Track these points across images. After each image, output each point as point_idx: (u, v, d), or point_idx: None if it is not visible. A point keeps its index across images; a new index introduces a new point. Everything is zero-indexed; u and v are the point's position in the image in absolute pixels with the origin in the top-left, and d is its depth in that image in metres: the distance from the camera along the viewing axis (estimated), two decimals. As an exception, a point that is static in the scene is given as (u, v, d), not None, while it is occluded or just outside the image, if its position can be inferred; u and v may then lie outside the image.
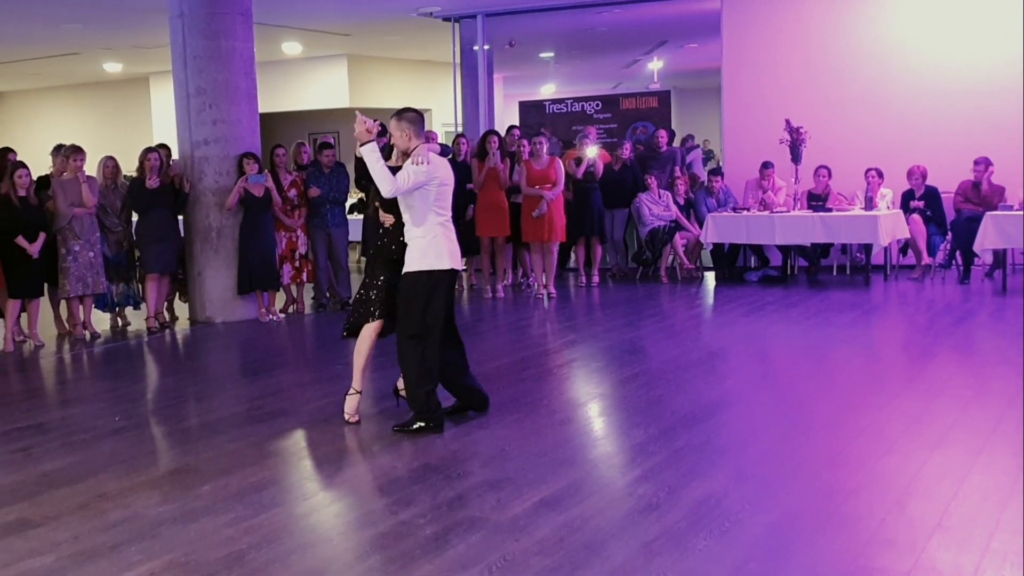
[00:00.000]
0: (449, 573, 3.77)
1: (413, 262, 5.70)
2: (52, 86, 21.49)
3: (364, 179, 10.45)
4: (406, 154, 5.73)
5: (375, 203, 5.95)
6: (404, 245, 5.78)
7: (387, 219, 5.87)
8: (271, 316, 10.18)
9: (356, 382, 6.02)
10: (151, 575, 3.85)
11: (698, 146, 15.17)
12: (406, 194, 5.63)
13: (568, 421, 5.95)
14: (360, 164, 10.57)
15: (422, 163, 5.61)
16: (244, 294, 10.11)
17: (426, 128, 5.99)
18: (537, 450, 5.33)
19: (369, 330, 5.93)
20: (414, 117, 5.82)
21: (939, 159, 11.57)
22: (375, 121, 5.74)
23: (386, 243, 5.89)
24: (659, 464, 5.01)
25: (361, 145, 5.65)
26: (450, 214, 5.85)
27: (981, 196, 11.10)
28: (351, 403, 6.03)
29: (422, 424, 5.71)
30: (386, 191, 5.62)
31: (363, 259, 14.44)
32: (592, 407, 6.48)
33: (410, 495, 4.67)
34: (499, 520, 4.29)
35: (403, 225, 5.77)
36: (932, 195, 11.50)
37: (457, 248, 5.87)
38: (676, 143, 14.41)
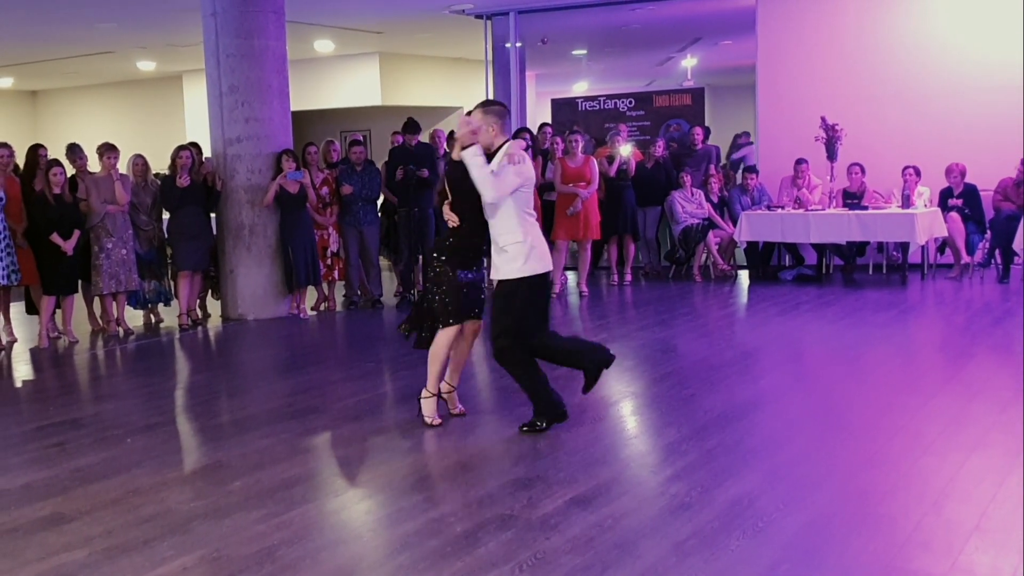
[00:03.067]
0: (479, 571, 3.75)
1: (516, 268, 5.48)
2: (87, 84, 21.68)
3: (392, 181, 10.60)
4: (489, 150, 5.48)
5: (442, 197, 5.68)
6: (454, 246, 5.60)
7: (452, 219, 5.58)
8: (300, 314, 10.21)
9: (432, 384, 5.78)
10: (183, 570, 3.86)
11: (751, 142, 15.04)
12: (504, 198, 5.42)
13: (600, 420, 5.91)
14: (392, 167, 10.72)
15: (520, 163, 5.43)
16: (293, 292, 10.15)
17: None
18: (568, 448, 5.30)
19: (447, 335, 5.68)
20: (500, 110, 5.60)
21: (978, 156, 11.42)
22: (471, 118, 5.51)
23: (452, 242, 5.64)
24: (692, 464, 4.97)
25: (464, 148, 5.40)
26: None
27: (1021, 194, 10.94)
28: (428, 406, 5.80)
29: (546, 420, 5.60)
30: (489, 196, 5.38)
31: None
32: (624, 406, 6.43)
33: (441, 493, 4.66)
34: (530, 518, 4.26)
35: (470, 226, 5.57)
36: (971, 193, 11.35)
37: (547, 247, 5.71)
38: (727, 141, 14.33)
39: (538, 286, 5.57)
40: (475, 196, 5.48)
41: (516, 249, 5.48)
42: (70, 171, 9.53)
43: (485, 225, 5.58)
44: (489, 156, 5.49)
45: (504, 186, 5.38)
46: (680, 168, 12.35)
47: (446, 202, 5.66)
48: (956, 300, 10.24)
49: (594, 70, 18.16)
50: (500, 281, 5.57)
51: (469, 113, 5.67)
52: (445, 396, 5.95)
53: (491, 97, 14.90)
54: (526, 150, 5.77)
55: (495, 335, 5.62)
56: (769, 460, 5.09)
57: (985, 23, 11.94)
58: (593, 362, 5.70)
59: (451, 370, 5.93)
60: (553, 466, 5.00)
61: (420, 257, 10.97)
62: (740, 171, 13.26)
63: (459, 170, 5.50)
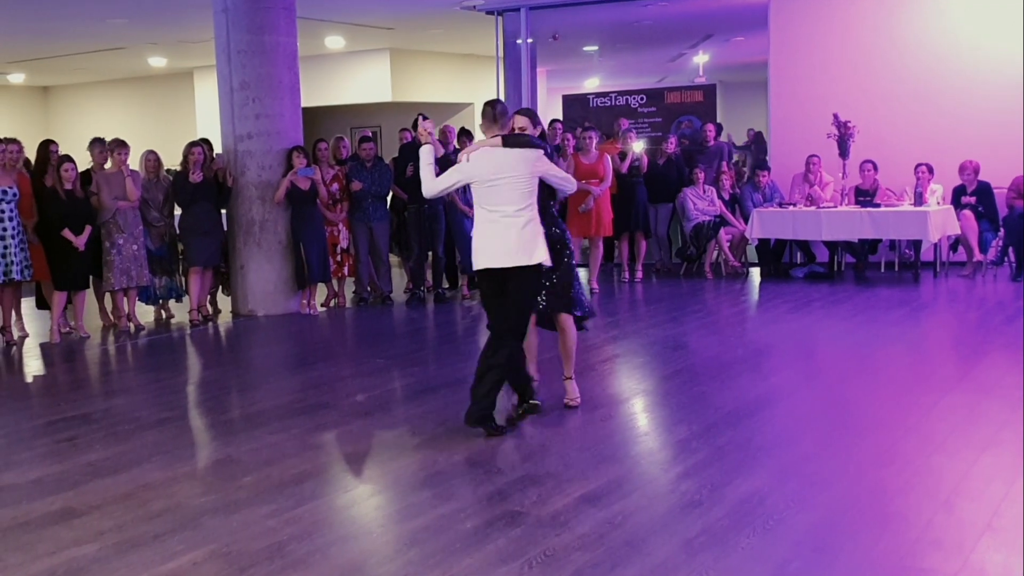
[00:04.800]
0: (489, 567, 3.75)
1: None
2: (98, 80, 21.73)
3: (402, 177, 10.60)
4: None
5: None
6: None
7: None
8: (310, 310, 10.22)
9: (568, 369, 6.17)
10: (193, 565, 3.86)
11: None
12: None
13: (610, 417, 5.91)
14: (402, 163, 10.71)
15: (461, 159, 5.65)
16: (304, 288, 10.17)
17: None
18: (579, 445, 5.29)
19: (567, 321, 6.10)
20: (486, 111, 5.76)
21: (992, 154, 11.36)
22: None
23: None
24: (702, 461, 4.96)
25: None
26: (513, 208, 5.52)
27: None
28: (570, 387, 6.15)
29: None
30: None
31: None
32: (635, 403, 6.43)
33: (450, 489, 4.65)
34: (540, 515, 4.26)
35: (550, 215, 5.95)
36: (984, 191, 11.30)
37: (498, 244, 5.55)
38: (739, 138, 14.25)
39: (484, 280, 5.74)
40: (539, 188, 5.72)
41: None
42: (85, 166, 9.55)
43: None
44: None
45: (437, 183, 5.70)
46: (692, 165, 12.32)
47: None
48: (968, 298, 10.20)
49: (605, 66, 18.09)
50: None
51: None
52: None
53: (501, 94, 14.90)
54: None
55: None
56: (780, 458, 5.08)
57: (999, 19, 11.86)
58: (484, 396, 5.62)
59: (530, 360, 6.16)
60: (563, 463, 5.00)
61: (430, 254, 10.99)
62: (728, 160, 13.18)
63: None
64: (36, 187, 8.93)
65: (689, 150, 12.98)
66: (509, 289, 5.57)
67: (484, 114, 5.75)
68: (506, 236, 5.53)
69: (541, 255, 5.58)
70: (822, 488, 4.54)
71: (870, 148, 11.58)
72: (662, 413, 6.16)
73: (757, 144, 14.21)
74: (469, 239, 10.47)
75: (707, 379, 6.86)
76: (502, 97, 14.94)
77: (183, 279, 10.09)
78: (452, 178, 5.67)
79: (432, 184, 5.69)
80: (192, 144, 9.87)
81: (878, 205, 11.17)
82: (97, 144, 9.62)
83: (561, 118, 14.39)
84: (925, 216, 10.68)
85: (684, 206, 12.01)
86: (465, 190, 10.34)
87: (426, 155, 5.71)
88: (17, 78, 20.87)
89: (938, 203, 11.18)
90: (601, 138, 11.76)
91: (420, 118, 5.99)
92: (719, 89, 15.27)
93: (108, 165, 9.57)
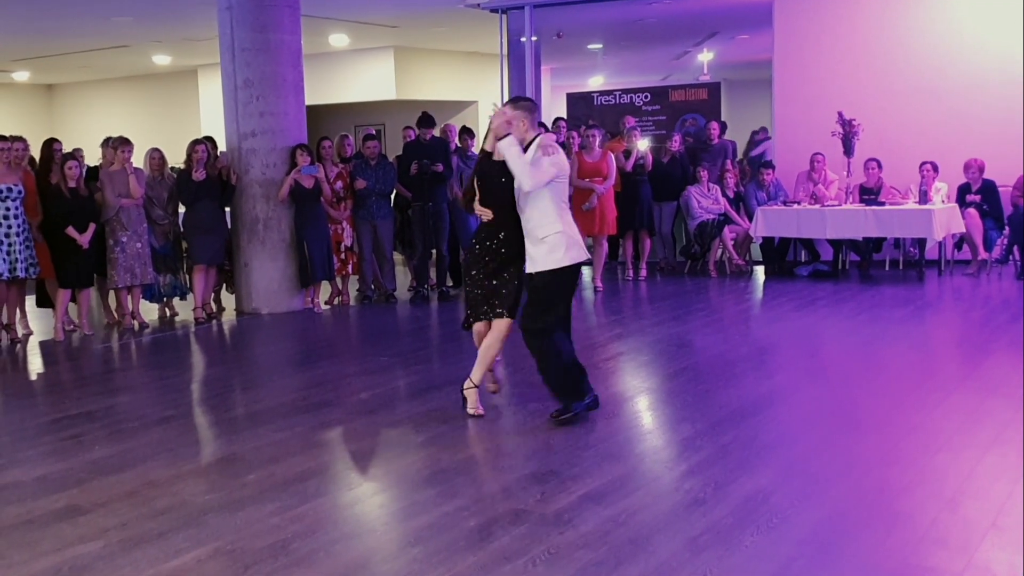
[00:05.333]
0: (492, 565, 3.75)
1: (552, 259, 5.51)
2: (102, 78, 21.76)
3: (406, 175, 10.60)
4: (521, 144, 5.56)
5: (468, 196, 5.82)
6: (513, 242, 5.65)
7: (485, 213, 5.69)
8: (314, 308, 10.23)
9: (476, 376, 5.85)
10: (197, 562, 3.86)
11: (769, 138, 15.01)
12: (541, 188, 5.47)
13: (614, 415, 5.90)
14: (406, 161, 10.71)
15: (554, 153, 5.51)
16: (308, 286, 10.19)
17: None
18: (583, 444, 5.29)
19: (503, 326, 5.74)
20: (530, 105, 5.69)
21: (997, 152, 11.35)
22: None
23: (492, 241, 5.71)
24: (706, 459, 4.95)
25: (499, 139, 5.48)
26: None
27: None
28: (472, 397, 5.86)
29: (577, 410, 5.61)
30: (528, 185, 5.43)
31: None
32: (639, 401, 6.42)
33: (454, 487, 4.65)
34: (543, 513, 4.25)
35: (505, 221, 5.65)
36: (989, 189, 11.29)
37: (578, 237, 5.71)
38: (743, 136, 14.26)
39: (573, 276, 5.62)
40: (507, 190, 5.59)
41: (556, 240, 5.52)
42: (93, 163, 9.55)
43: (516, 219, 5.64)
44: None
45: (541, 176, 5.44)
46: (696, 163, 12.32)
47: (470, 196, 5.80)
48: (973, 296, 10.19)
49: (610, 64, 18.11)
50: (538, 272, 5.57)
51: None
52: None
53: (505, 92, 14.89)
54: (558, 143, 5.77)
55: (532, 325, 5.61)
56: (784, 456, 5.08)
57: (1004, 17, 11.84)
58: (566, 394, 5.66)
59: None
60: (567, 461, 4.99)
61: (433, 252, 10.99)
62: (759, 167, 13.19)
63: (492, 164, 5.58)
64: (40, 185, 8.94)
65: (693, 148, 12.97)
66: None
67: (529, 108, 5.65)
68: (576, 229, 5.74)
69: None
70: (826, 487, 4.54)
71: (875, 146, 11.58)
72: (666, 411, 6.16)
73: (751, 140, 14.23)
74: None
75: (711, 377, 6.86)
76: (506, 95, 14.95)
77: (187, 277, 10.11)
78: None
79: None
80: (196, 142, 9.88)
81: (883, 203, 11.16)
82: (107, 143, 9.66)
83: (565, 116, 14.40)
84: (930, 214, 10.67)
85: (688, 204, 12.00)
86: (461, 184, 10.41)
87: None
88: (22, 76, 20.90)
89: (943, 201, 11.16)
90: (605, 136, 11.75)
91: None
92: (723, 87, 15.29)
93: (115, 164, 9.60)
